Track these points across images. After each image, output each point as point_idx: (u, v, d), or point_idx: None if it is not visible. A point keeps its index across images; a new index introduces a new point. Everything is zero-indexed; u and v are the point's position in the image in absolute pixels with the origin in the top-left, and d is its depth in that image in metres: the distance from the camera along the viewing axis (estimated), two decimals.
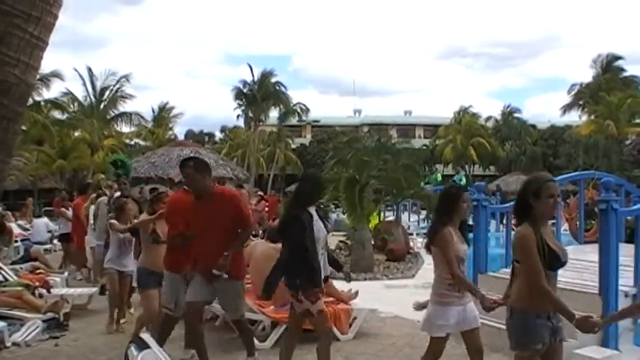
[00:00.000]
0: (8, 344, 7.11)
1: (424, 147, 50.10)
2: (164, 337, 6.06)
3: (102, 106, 39.44)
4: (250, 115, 47.48)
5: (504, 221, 11.52)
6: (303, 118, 51.34)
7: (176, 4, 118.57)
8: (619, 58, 45.64)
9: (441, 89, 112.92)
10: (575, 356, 5.70)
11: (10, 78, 3.63)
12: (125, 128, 42.84)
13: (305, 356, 6.37)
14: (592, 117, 42.02)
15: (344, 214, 15.03)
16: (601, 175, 10.28)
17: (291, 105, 48.41)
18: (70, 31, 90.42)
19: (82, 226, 12.11)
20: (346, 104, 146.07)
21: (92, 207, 11.29)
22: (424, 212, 20.59)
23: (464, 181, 40.95)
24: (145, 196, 10.78)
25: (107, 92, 39.42)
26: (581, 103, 44.67)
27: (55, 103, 36.21)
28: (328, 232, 5.83)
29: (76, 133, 38.33)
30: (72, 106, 38.67)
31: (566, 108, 45.99)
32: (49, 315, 8.00)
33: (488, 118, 54.57)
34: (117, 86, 39.26)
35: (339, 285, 7.93)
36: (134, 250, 7.89)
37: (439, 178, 41.31)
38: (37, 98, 32.89)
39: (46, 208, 29.40)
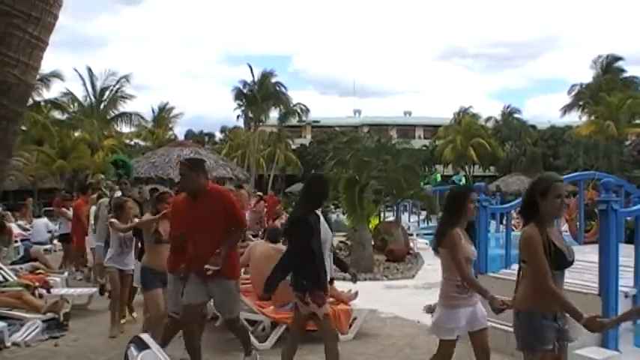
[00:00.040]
0: (8, 344, 7.11)
1: (424, 147, 50.10)
2: (168, 339, 6.05)
3: (102, 106, 39.45)
4: (250, 115, 47.46)
5: (504, 222, 11.51)
6: (303, 118, 51.32)
7: (176, 4, 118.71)
8: (619, 58, 45.68)
9: (440, 90, 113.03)
10: (575, 357, 5.69)
11: (9, 78, 3.63)
12: (125, 128, 42.91)
13: (305, 356, 6.37)
14: (592, 117, 42.00)
15: (344, 214, 15.03)
16: (601, 176, 10.27)
17: (291, 105, 48.41)
18: (70, 31, 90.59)
19: (82, 226, 12.12)
20: (346, 105, 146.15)
21: (93, 208, 11.28)
22: (424, 213, 20.62)
23: (463, 181, 40.96)
24: (144, 196, 10.78)
25: (107, 92, 39.44)
26: (581, 103, 44.65)
27: (55, 104, 36.21)
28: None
29: (76, 134, 38.29)
30: (72, 106, 38.68)
31: (567, 108, 45.99)
32: (49, 315, 8.00)
33: (488, 119, 54.57)
34: (117, 86, 39.31)
35: (342, 285, 7.94)
36: (134, 250, 7.88)
37: (438, 178, 41.34)
38: (37, 98, 32.88)
39: (46, 209, 29.40)
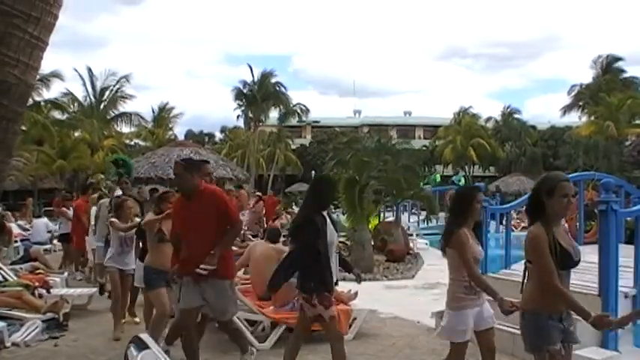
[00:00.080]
0: (8, 344, 7.10)
1: (424, 148, 50.12)
2: (173, 339, 6.00)
3: (102, 106, 39.48)
4: (250, 115, 47.47)
5: (504, 222, 11.51)
6: (303, 118, 51.32)
7: (176, 4, 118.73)
8: (619, 59, 45.68)
9: (440, 90, 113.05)
10: (575, 357, 5.65)
11: (9, 78, 3.63)
12: (125, 128, 42.95)
13: (306, 356, 6.37)
14: (592, 118, 42.00)
15: (343, 214, 15.03)
16: (601, 176, 10.27)
17: (291, 105, 48.41)
18: (70, 31, 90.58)
19: (82, 226, 12.11)
20: (346, 105, 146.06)
21: (94, 208, 11.27)
22: (424, 213, 20.62)
23: (463, 181, 40.98)
24: (143, 196, 10.78)
25: (107, 92, 39.48)
26: (581, 104, 44.66)
27: (55, 104, 36.23)
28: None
29: (76, 134, 38.31)
30: (72, 106, 38.71)
31: (566, 109, 45.99)
32: (49, 315, 8.00)
33: (488, 119, 54.59)
34: (117, 86, 39.36)
35: (342, 285, 7.94)
36: (135, 250, 7.86)
37: (438, 178, 41.38)
38: (37, 98, 32.90)
39: (46, 209, 29.39)
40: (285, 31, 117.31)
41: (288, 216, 19.83)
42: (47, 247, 15.95)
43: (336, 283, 5.72)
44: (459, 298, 4.72)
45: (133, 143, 47.08)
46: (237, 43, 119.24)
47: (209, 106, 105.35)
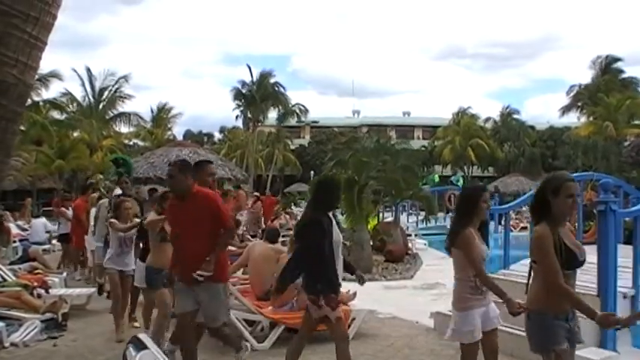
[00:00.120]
0: (6, 344, 7.10)
1: (423, 148, 50.18)
2: (178, 340, 5.94)
3: (101, 106, 39.47)
4: (249, 115, 47.49)
5: (503, 222, 11.52)
6: (302, 118, 51.32)
7: (175, 4, 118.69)
8: (618, 59, 45.77)
9: (439, 90, 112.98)
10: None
11: (8, 78, 3.62)
12: (124, 128, 42.93)
13: (309, 356, 6.37)
14: (591, 118, 42.05)
15: (342, 215, 15.04)
16: (600, 177, 10.29)
17: (290, 106, 48.42)
18: (69, 31, 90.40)
19: (82, 226, 12.09)
20: (345, 105, 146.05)
21: (93, 210, 11.26)
22: (423, 213, 20.64)
23: (461, 181, 41.05)
24: (142, 196, 10.77)
25: (106, 92, 39.46)
26: (579, 104, 44.70)
27: (53, 104, 36.19)
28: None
29: (75, 134, 38.28)
30: (71, 106, 38.68)
31: (565, 109, 46.03)
32: (48, 315, 7.99)
33: (487, 119, 54.66)
34: (116, 86, 39.33)
35: (344, 286, 7.93)
36: (135, 250, 7.84)
37: (436, 179, 41.41)
38: (36, 98, 32.85)
39: (45, 209, 29.38)
40: (284, 31, 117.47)
41: (287, 216, 19.88)
42: (46, 247, 15.94)
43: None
44: (466, 298, 4.66)
45: (131, 143, 47.06)
46: (237, 43, 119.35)
47: (208, 106, 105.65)
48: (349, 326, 7.46)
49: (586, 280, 6.98)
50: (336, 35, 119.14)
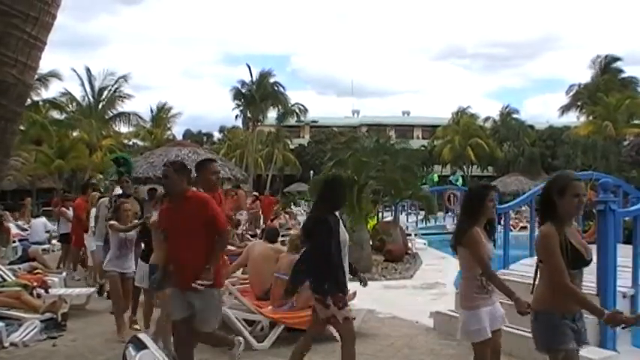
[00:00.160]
0: (6, 344, 7.10)
1: (422, 148, 50.18)
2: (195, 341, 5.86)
3: (100, 106, 39.41)
4: (249, 115, 47.46)
5: (502, 222, 11.52)
6: (302, 118, 51.31)
7: (175, 4, 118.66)
8: (617, 59, 45.81)
9: (439, 90, 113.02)
10: None
11: (8, 78, 3.63)
12: (123, 128, 42.87)
13: (309, 356, 6.36)
14: (590, 118, 42.09)
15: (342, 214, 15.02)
16: (599, 176, 10.29)
17: (290, 105, 48.39)
18: (68, 30, 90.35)
19: (82, 226, 12.07)
20: (344, 105, 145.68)
21: (93, 210, 11.25)
22: (422, 213, 20.64)
23: (460, 181, 41.07)
24: (141, 195, 10.76)
25: (105, 92, 39.40)
26: (579, 104, 44.73)
27: (53, 103, 36.17)
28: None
29: (75, 133, 38.26)
30: (70, 106, 38.63)
31: (565, 109, 46.08)
32: (47, 315, 7.98)
33: (487, 119, 54.66)
34: (115, 86, 39.27)
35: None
36: (135, 251, 7.82)
37: (435, 178, 41.39)
38: (36, 98, 32.85)
39: (45, 208, 29.37)
40: (283, 30, 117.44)
41: (287, 216, 19.90)
42: (45, 246, 15.95)
43: None
44: (472, 297, 4.62)
45: (131, 143, 47.02)
46: (236, 43, 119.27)
47: (207, 106, 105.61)
48: None
49: (585, 279, 6.96)
50: (336, 35, 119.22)
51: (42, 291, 9.15)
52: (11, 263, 11.45)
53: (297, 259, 7.32)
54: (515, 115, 53.82)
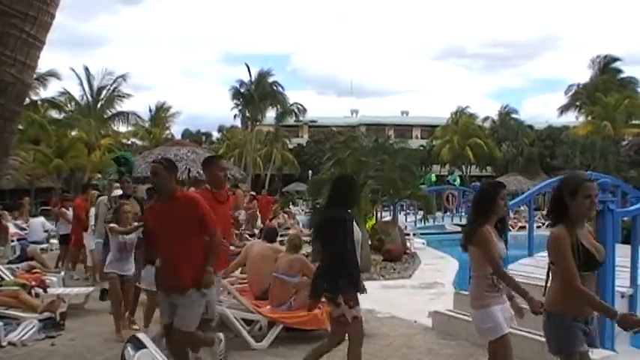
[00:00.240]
0: (4, 344, 7.08)
1: (421, 147, 50.17)
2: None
3: (99, 105, 39.37)
4: (247, 114, 47.48)
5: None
6: (301, 118, 51.37)
7: (175, 4, 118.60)
8: (617, 59, 45.82)
9: (438, 90, 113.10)
10: None
11: (6, 77, 3.62)
12: (122, 128, 42.85)
13: (302, 356, 6.36)
14: (589, 118, 42.08)
15: None
16: (598, 176, 10.28)
17: (289, 105, 48.42)
18: (68, 30, 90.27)
19: (82, 226, 12.05)
20: (343, 104, 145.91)
21: (92, 209, 11.23)
22: (421, 212, 20.65)
23: (458, 181, 41.10)
24: (140, 195, 10.74)
25: (104, 92, 39.36)
26: (578, 103, 44.74)
27: (52, 103, 36.13)
28: None
29: (73, 133, 38.22)
30: (69, 105, 38.59)
31: (564, 109, 46.08)
32: (46, 314, 7.97)
33: (486, 119, 54.68)
34: (114, 86, 39.23)
35: None
36: (136, 252, 7.78)
37: (433, 178, 41.46)
38: (34, 97, 32.80)
39: (43, 208, 29.35)
40: (283, 30, 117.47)
41: (286, 215, 19.91)
42: (44, 246, 15.93)
43: None
44: (483, 296, 4.56)
45: (130, 142, 47.00)
46: (235, 43, 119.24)
47: (206, 106, 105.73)
48: None
49: None
50: (336, 35, 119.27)
51: (40, 290, 9.14)
52: (9, 262, 11.44)
53: (296, 259, 7.36)
54: (514, 115, 53.87)
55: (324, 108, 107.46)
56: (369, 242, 14.61)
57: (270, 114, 49.20)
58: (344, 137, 34.76)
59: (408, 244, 16.85)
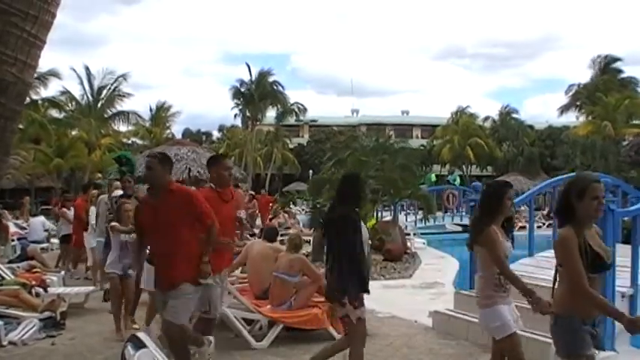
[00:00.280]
0: (5, 343, 7.09)
1: (421, 147, 50.14)
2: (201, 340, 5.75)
3: (99, 104, 39.34)
4: (248, 114, 47.44)
5: None
6: (301, 117, 51.30)
7: (175, 3, 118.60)
8: (617, 59, 45.76)
9: (438, 89, 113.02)
10: None
11: (7, 76, 3.63)
12: (122, 127, 42.77)
13: (302, 356, 6.37)
14: (589, 118, 42.04)
15: None
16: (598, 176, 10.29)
17: (289, 104, 48.36)
18: (68, 29, 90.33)
19: (83, 226, 12.05)
20: (344, 104, 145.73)
21: (92, 208, 11.22)
22: (421, 212, 20.65)
23: (458, 181, 41.06)
24: (140, 194, 10.71)
25: (105, 91, 39.31)
26: (578, 103, 44.70)
27: (52, 102, 36.10)
28: None
29: (74, 132, 38.22)
30: (69, 104, 38.54)
31: (564, 109, 46.03)
32: (46, 314, 7.97)
33: (486, 119, 54.61)
34: (114, 85, 39.20)
35: None
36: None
37: (433, 178, 41.40)
38: (35, 97, 32.77)
39: (43, 207, 29.37)
40: (283, 30, 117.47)
41: (286, 215, 19.91)
42: (44, 245, 15.94)
43: None
44: (489, 295, 4.54)
45: (130, 142, 46.99)
46: (236, 42, 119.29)
47: (207, 105, 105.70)
48: None
49: None
50: (336, 34, 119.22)
51: (41, 290, 9.14)
52: (10, 262, 11.44)
53: (296, 259, 7.36)
54: (514, 115, 53.79)
55: (324, 108, 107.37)
56: (370, 242, 14.59)
57: (271, 113, 49.17)
58: (344, 137, 34.84)
59: (408, 244, 16.83)
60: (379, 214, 20.20)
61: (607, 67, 45.09)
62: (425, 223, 20.81)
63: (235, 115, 48.83)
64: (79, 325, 8.12)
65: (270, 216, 18.98)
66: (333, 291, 5.27)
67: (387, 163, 14.83)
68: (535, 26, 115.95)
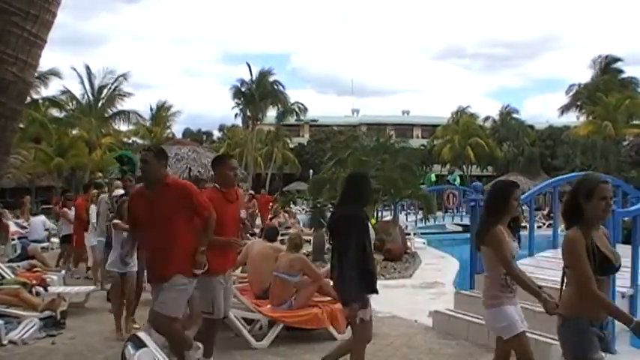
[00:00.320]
0: (5, 342, 7.09)
1: (422, 147, 50.13)
2: (210, 341, 5.78)
3: (100, 104, 39.35)
4: (248, 114, 47.44)
5: None
6: (301, 117, 51.29)
7: (175, 3, 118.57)
8: (618, 59, 45.75)
9: (439, 89, 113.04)
10: None
11: (8, 76, 3.63)
12: (123, 126, 42.79)
13: (302, 356, 6.37)
14: (590, 118, 42.01)
15: None
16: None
17: (289, 104, 48.34)
18: (69, 29, 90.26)
19: (84, 225, 12.05)
20: (344, 104, 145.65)
21: (93, 207, 11.22)
22: (421, 212, 20.66)
23: (458, 181, 41.08)
24: None
25: (105, 90, 39.32)
26: (579, 103, 44.68)
27: (53, 101, 36.12)
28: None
29: (74, 131, 38.26)
30: (70, 104, 38.56)
31: (564, 109, 46.01)
32: (46, 313, 7.97)
33: (486, 119, 54.57)
34: (115, 84, 39.20)
35: None
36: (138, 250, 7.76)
37: (433, 178, 41.42)
38: (35, 96, 32.79)
39: (44, 206, 29.37)
40: (283, 29, 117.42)
41: (286, 215, 19.92)
42: (44, 244, 15.93)
43: None
44: (496, 295, 4.51)
45: (130, 141, 46.96)
46: (236, 42, 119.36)
47: (207, 105, 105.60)
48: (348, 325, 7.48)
49: None
50: (336, 34, 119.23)
51: (41, 289, 9.14)
52: (10, 261, 11.45)
53: (296, 258, 7.36)
54: (514, 115, 53.74)
55: (324, 107, 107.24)
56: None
57: (271, 113, 49.16)
58: (345, 137, 34.83)
59: (408, 244, 16.84)
60: (379, 214, 20.22)
61: (607, 67, 45.08)
62: (425, 222, 20.82)
63: (236, 115, 48.92)
64: (79, 325, 8.12)
65: (270, 215, 18.99)
66: (340, 291, 5.28)
67: (387, 162, 14.83)
68: (535, 26, 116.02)
